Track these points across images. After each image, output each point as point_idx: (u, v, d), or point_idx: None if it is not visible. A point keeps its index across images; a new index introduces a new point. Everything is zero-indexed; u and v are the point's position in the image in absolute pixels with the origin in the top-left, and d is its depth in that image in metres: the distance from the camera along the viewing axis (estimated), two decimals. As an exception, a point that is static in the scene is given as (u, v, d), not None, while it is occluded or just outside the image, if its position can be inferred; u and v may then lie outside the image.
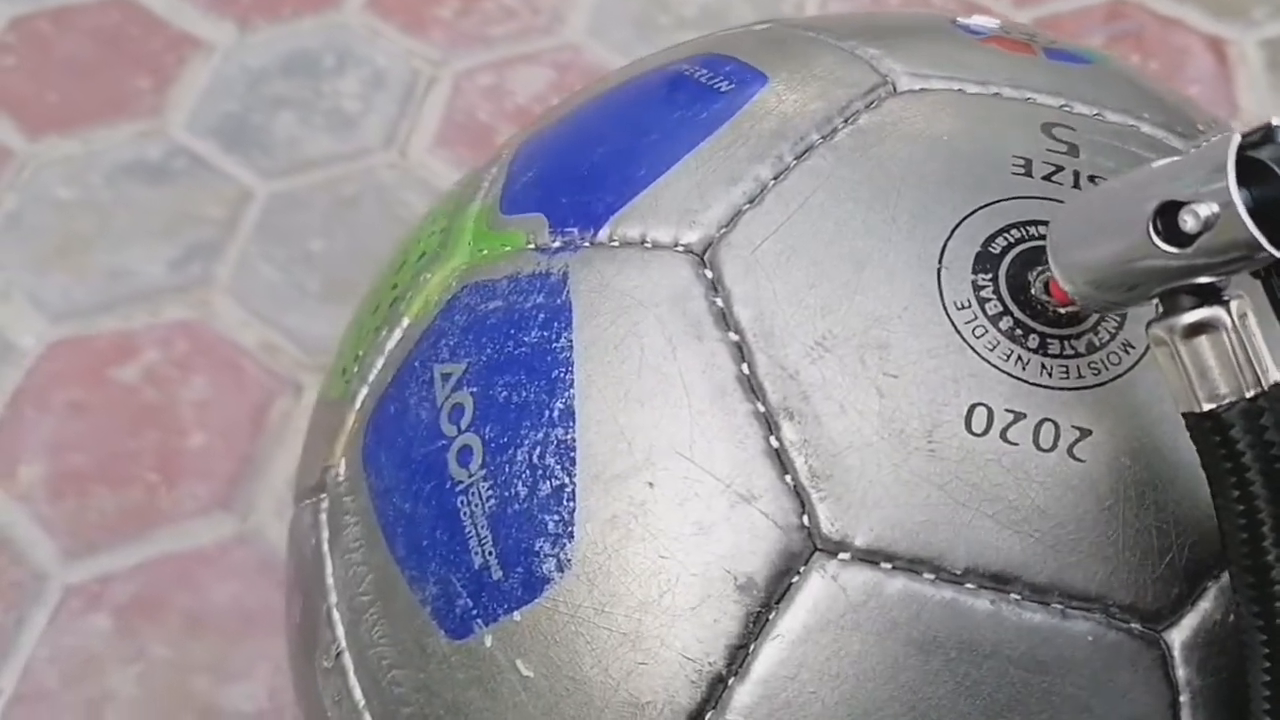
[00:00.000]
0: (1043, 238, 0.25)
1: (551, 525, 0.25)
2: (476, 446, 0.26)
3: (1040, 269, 0.25)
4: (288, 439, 0.53)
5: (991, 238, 0.25)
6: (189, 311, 0.57)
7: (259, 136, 0.64)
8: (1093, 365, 0.24)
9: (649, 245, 0.27)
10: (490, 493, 0.26)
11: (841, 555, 0.23)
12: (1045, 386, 0.24)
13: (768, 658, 0.23)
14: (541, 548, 0.25)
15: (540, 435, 0.25)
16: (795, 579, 0.24)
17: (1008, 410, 0.24)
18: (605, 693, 0.24)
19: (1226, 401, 0.21)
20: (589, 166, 0.29)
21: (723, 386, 0.25)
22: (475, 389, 0.27)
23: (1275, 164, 0.20)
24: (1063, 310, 0.24)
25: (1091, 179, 0.26)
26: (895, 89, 0.28)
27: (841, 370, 0.24)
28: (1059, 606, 0.23)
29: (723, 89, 0.29)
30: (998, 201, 0.26)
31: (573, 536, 0.25)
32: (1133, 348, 0.24)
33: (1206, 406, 0.21)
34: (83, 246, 0.60)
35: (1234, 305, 0.21)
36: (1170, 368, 0.22)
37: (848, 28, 0.31)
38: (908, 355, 0.24)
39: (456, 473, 0.26)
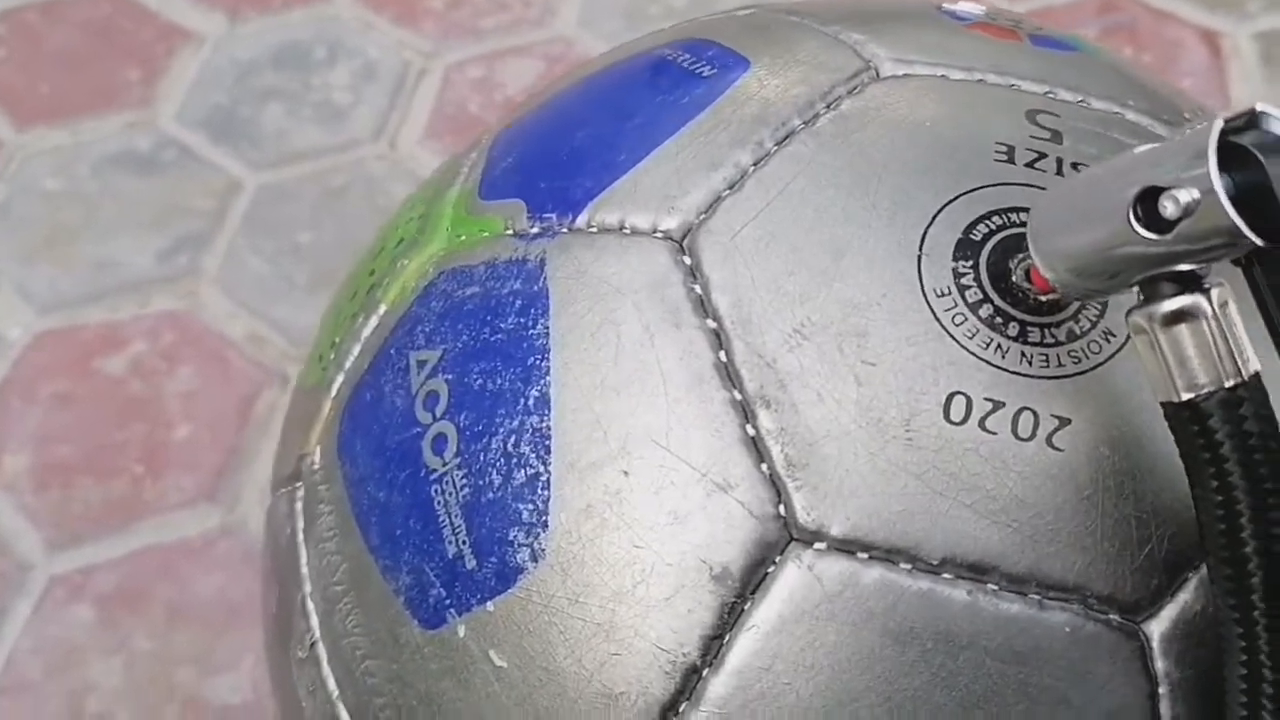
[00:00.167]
0: (1024, 224, 0.24)
1: (526, 514, 0.24)
2: (451, 434, 0.26)
3: (1021, 256, 0.24)
4: (274, 431, 0.53)
5: (973, 224, 0.25)
6: (176, 303, 0.57)
7: (248, 128, 0.63)
8: (1073, 353, 0.24)
9: (627, 231, 0.26)
10: (464, 481, 0.25)
11: (817, 545, 0.23)
12: (1024, 375, 0.24)
13: (742, 649, 0.23)
14: (515, 537, 0.24)
15: (515, 423, 0.25)
16: (771, 569, 0.23)
17: (986, 399, 0.23)
18: (579, 684, 0.24)
19: (1205, 391, 0.21)
20: (568, 152, 0.28)
21: (700, 374, 0.24)
22: (450, 376, 0.26)
23: (1258, 150, 0.20)
24: (1043, 298, 0.24)
25: (1075, 166, 0.26)
26: (878, 74, 0.28)
27: (819, 358, 0.24)
28: (1036, 597, 0.23)
29: (705, 74, 0.29)
30: (980, 188, 0.25)
31: (547, 526, 0.24)
32: (1113, 336, 0.24)
33: (1185, 396, 0.21)
34: (70, 238, 0.59)
35: (1215, 293, 0.21)
36: (1149, 356, 0.21)
37: (832, 12, 0.30)
38: (886, 343, 0.24)
39: (431, 461, 0.26)
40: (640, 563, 0.24)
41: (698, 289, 0.25)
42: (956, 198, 0.25)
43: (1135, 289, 0.22)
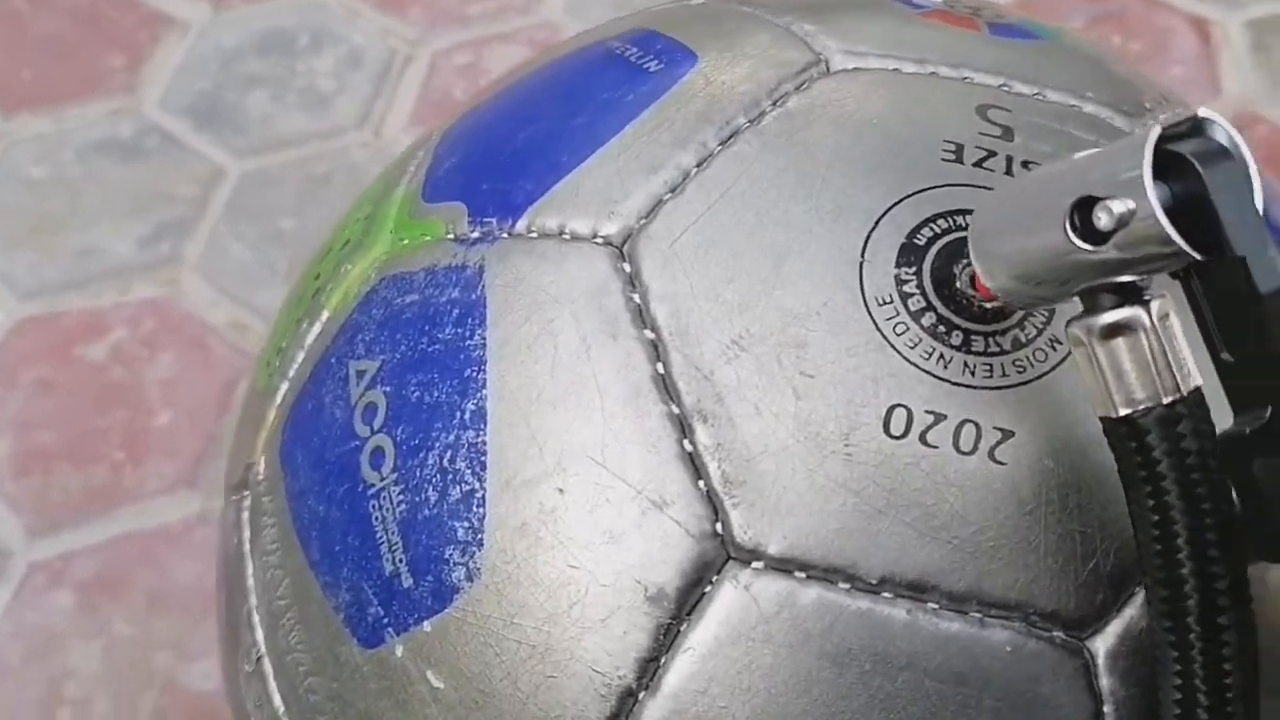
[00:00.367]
0: (969, 228, 0.24)
1: (461, 532, 0.24)
2: (389, 448, 0.25)
3: (966, 262, 0.23)
4: (254, 418, 0.52)
5: (917, 228, 0.24)
6: (158, 290, 0.57)
7: (232, 115, 0.63)
8: (1017, 363, 0.23)
9: (567, 237, 0.26)
10: (401, 497, 0.25)
11: (755, 564, 0.23)
12: (967, 386, 0.23)
13: (679, 671, 0.23)
14: (451, 556, 0.24)
15: (451, 438, 0.24)
16: (707, 589, 0.23)
17: (928, 411, 0.23)
18: (515, 706, 0.23)
19: (1143, 407, 0.20)
20: (512, 152, 0.28)
21: (637, 387, 0.24)
22: (389, 388, 0.26)
23: (1197, 159, 0.19)
24: (988, 305, 0.23)
25: (1025, 164, 0.25)
26: (828, 68, 0.27)
27: (758, 370, 0.23)
28: (977, 615, 0.22)
29: (651, 69, 0.28)
30: (926, 189, 0.25)
31: (482, 544, 0.24)
32: (1059, 343, 0.23)
33: (1122, 411, 0.20)
34: (53, 225, 0.59)
35: (1155, 306, 0.20)
36: (1087, 369, 0.21)
37: (787, 1, 0.30)
38: (826, 354, 0.23)
39: (369, 475, 0.25)
40: (575, 583, 0.23)
41: (636, 298, 0.24)
42: (901, 200, 0.24)
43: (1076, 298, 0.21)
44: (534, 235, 0.26)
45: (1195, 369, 0.20)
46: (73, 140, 0.62)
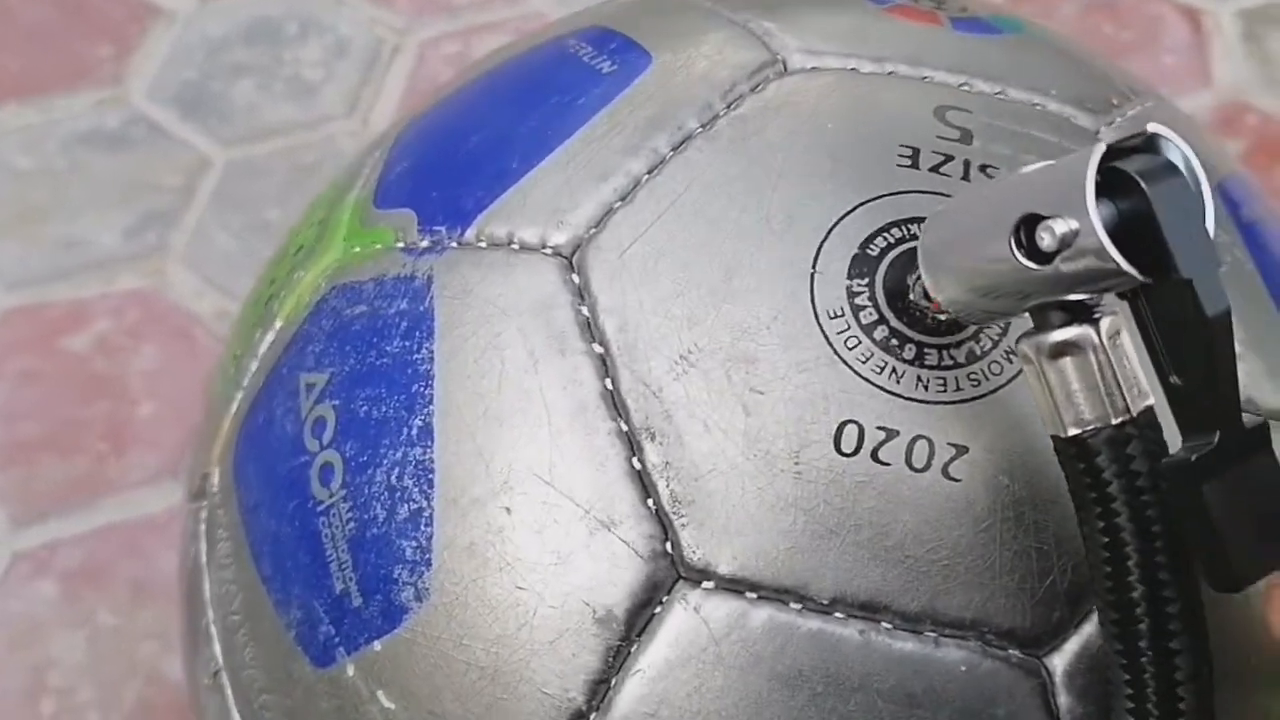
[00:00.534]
0: (922, 238, 0.23)
1: (409, 552, 0.24)
2: (338, 464, 0.25)
3: (919, 273, 0.23)
4: (236, 407, 0.52)
5: (870, 238, 0.24)
6: (143, 280, 0.56)
7: (218, 104, 0.63)
8: (972, 376, 0.23)
9: (516, 247, 0.25)
10: (350, 515, 0.24)
11: (705, 584, 0.22)
12: (920, 401, 0.22)
13: (629, 693, 0.22)
14: (400, 575, 0.24)
15: (399, 455, 0.24)
16: (657, 610, 0.22)
17: (879, 428, 0.22)
18: (465, 728, 0.23)
19: (1091, 428, 0.20)
20: (462, 157, 0.27)
21: (584, 404, 0.23)
22: (337, 402, 0.25)
23: (1143, 177, 0.19)
24: (941, 317, 0.23)
25: (983, 169, 0.24)
26: (785, 68, 0.26)
27: (707, 387, 0.23)
28: (932, 635, 0.22)
29: (604, 70, 0.27)
30: (880, 197, 0.24)
31: (430, 564, 0.23)
32: (1015, 356, 0.23)
33: (1071, 432, 0.20)
34: (38, 215, 0.59)
35: (1105, 324, 0.20)
36: (1036, 388, 0.20)
37: (746, -4, 0.29)
38: (776, 370, 0.23)
39: (318, 492, 0.25)
40: (523, 605, 0.23)
41: (585, 310, 0.24)
42: (854, 208, 0.24)
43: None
44: (483, 245, 0.25)
45: (1147, 388, 0.20)
46: (59, 130, 0.62)
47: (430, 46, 0.65)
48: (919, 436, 0.22)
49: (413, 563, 0.24)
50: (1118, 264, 0.18)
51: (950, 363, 0.23)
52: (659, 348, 0.23)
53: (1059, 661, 0.22)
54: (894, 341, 0.23)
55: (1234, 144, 0.57)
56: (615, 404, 0.23)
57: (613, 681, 0.22)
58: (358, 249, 0.27)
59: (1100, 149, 0.19)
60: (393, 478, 0.24)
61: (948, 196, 0.24)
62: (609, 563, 0.22)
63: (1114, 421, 0.20)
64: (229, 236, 0.57)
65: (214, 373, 0.31)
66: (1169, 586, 0.20)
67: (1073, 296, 0.20)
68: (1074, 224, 0.18)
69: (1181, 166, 0.19)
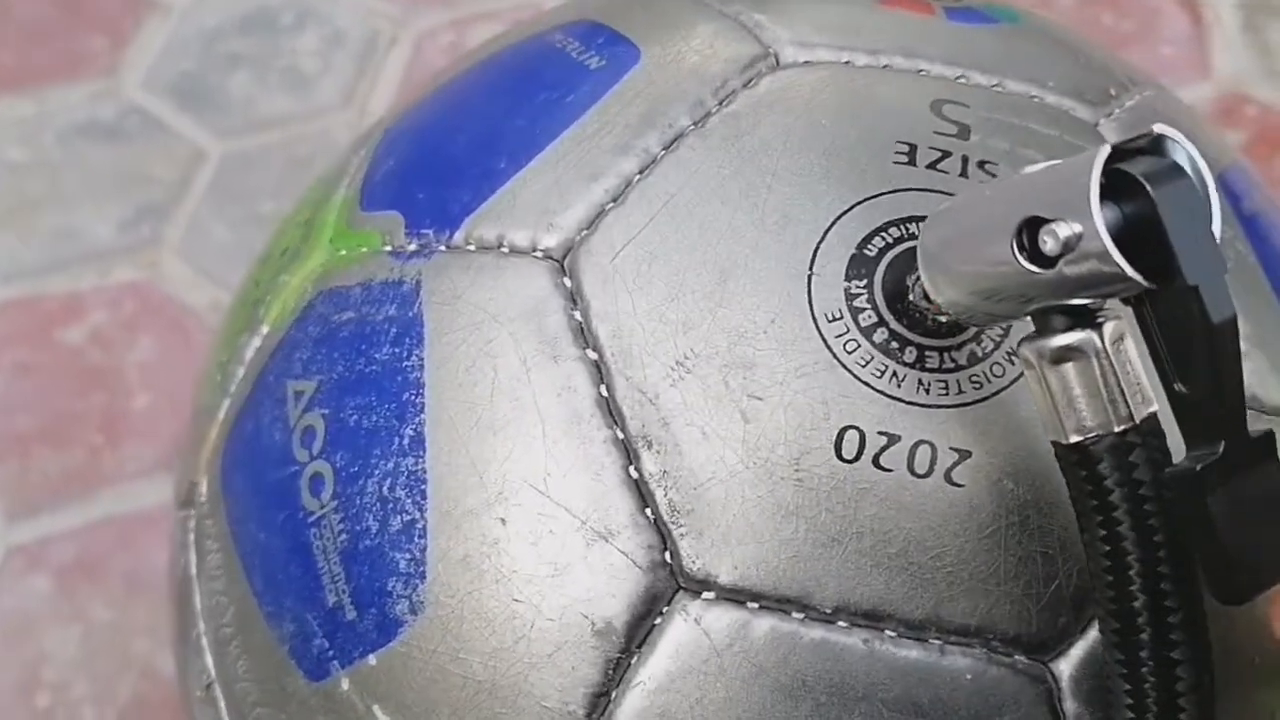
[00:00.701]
0: (922, 238, 0.23)
1: (403, 564, 0.23)
2: (328, 475, 0.24)
3: (918, 274, 0.22)
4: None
5: (868, 238, 0.23)
6: (138, 272, 0.56)
7: (214, 96, 0.62)
8: (974, 379, 0.22)
9: (505, 250, 0.25)
10: (342, 526, 0.24)
11: (705, 595, 0.22)
12: (922, 405, 0.22)
13: (630, 706, 0.22)
14: (394, 588, 0.23)
15: (390, 465, 0.24)
16: (657, 621, 0.22)
17: (881, 433, 0.22)
18: (463, 743, 0.23)
19: (1093, 435, 0.19)
20: (449, 157, 0.27)
21: (579, 412, 0.23)
22: (326, 410, 0.25)
23: (1149, 179, 0.18)
24: (942, 318, 0.22)
25: (981, 165, 0.24)
26: (778, 61, 0.26)
27: (704, 393, 0.22)
28: (937, 643, 0.22)
29: (592, 66, 0.27)
30: (877, 195, 0.23)
31: (424, 577, 0.23)
32: (1018, 358, 0.22)
33: (1073, 439, 0.19)
34: (33, 208, 0.59)
35: (1109, 329, 0.19)
36: (1038, 393, 0.20)
37: (736, -14, 0.28)
38: (774, 375, 0.22)
39: (309, 503, 0.24)
40: (520, 618, 0.22)
41: (578, 316, 0.23)
42: (851, 208, 0.23)
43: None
44: (471, 248, 0.25)
45: (1151, 394, 0.19)
46: (54, 123, 0.62)
47: (427, 37, 0.64)
48: (921, 441, 0.22)
49: (407, 575, 0.23)
50: (1122, 269, 0.18)
51: (952, 365, 0.22)
52: (654, 353, 0.23)
53: (1065, 667, 0.22)
54: (894, 344, 0.22)
55: (1234, 135, 0.56)
56: (610, 411, 0.23)
57: (613, 694, 0.22)
58: (344, 252, 0.27)
59: (1105, 151, 0.18)
60: (385, 488, 0.24)
61: (946, 194, 0.23)
62: (607, 574, 0.22)
63: (1117, 429, 0.19)
64: (225, 228, 0.57)
65: (200, 378, 0.30)
66: (1171, 596, 0.19)
67: (1075, 301, 0.19)
68: (1077, 227, 0.18)
69: (1188, 168, 0.18)
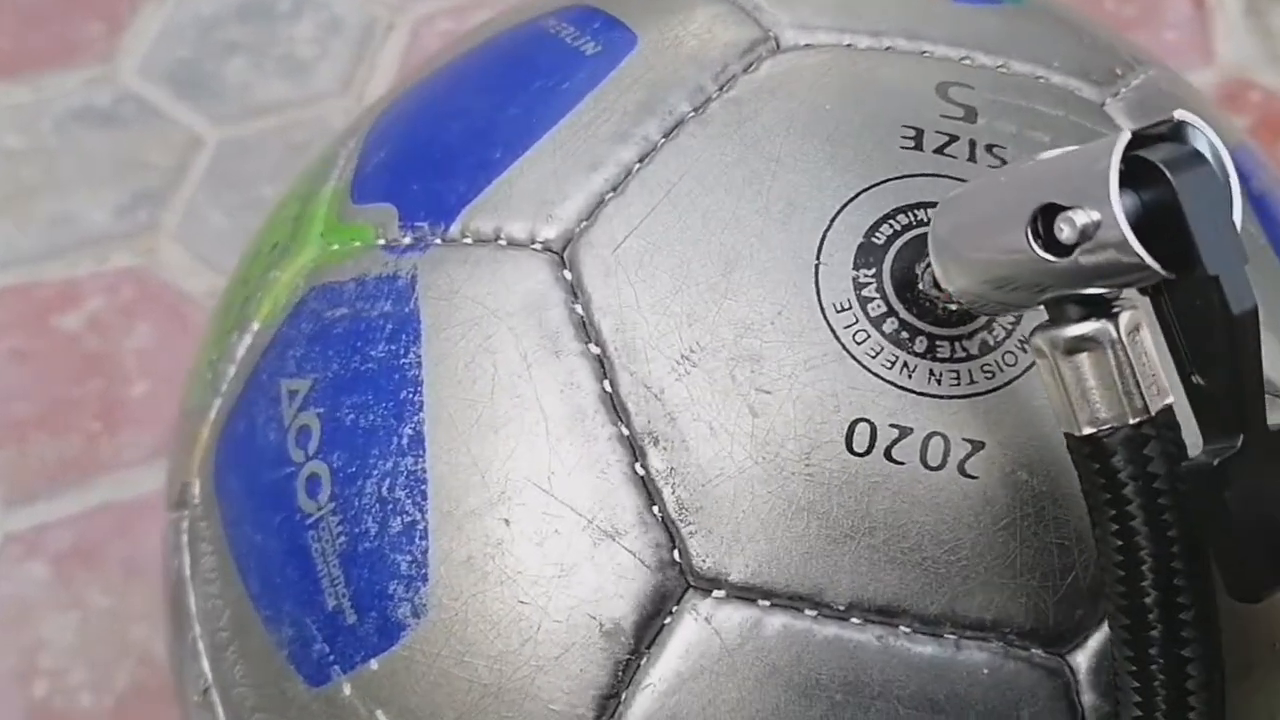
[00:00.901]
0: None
1: (404, 566, 0.23)
2: (325, 475, 0.24)
3: (928, 261, 0.22)
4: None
5: (875, 226, 0.23)
6: (135, 259, 0.56)
7: (211, 82, 0.62)
8: (986, 368, 0.22)
9: (503, 242, 0.24)
10: (340, 528, 0.23)
11: (715, 594, 0.21)
12: (933, 396, 0.22)
13: (640, 708, 0.22)
14: (395, 591, 0.23)
15: (389, 465, 0.23)
16: (667, 621, 0.22)
17: (892, 425, 0.21)
18: (469, 747, 0.22)
19: (1107, 427, 0.19)
20: (443, 147, 0.26)
21: (582, 408, 0.22)
22: (322, 409, 0.24)
23: (1168, 166, 0.18)
24: (953, 306, 0.22)
25: (989, 148, 0.23)
26: (778, 45, 0.25)
27: (710, 387, 0.22)
28: (952, 638, 0.21)
29: (588, 51, 0.26)
30: (884, 182, 0.23)
31: (427, 579, 0.22)
32: (1031, 347, 0.22)
33: (1086, 430, 0.19)
34: (30, 194, 0.58)
35: (1124, 319, 0.19)
36: (1051, 384, 0.19)
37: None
38: (782, 368, 0.22)
39: (305, 504, 0.24)
40: (526, 620, 0.22)
41: (579, 309, 0.23)
42: (858, 195, 0.23)
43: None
44: (468, 241, 0.24)
45: (1167, 386, 0.19)
46: (50, 109, 0.61)
47: (425, 23, 0.64)
48: (933, 433, 0.21)
49: (408, 578, 0.23)
50: (1141, 258, 0.17)
51: (963, 355, 0.22)
52: (659, 347, 0.22)
53: (1082, 659, 0.22)
54: (904, 334, 0.22)
55: (1237, 121, 0.56)
56: (615, 407, 0.22)
57: (623, 696, 0.22)
58: (336, 247, 0.26)
59: (1125, 137, 0.18)
60: (384, 489, 0.23)
61: (955, 179, 0.23)
62: (614, 574, 0.22)
63: (1131, 421, 0.19)
64: (222, 215, 0.57)
65: (190, 378, 0.30)
66: (1184, 593, 0.19)
67: (1091, 290, 0.19)
68: (1095, 215, 0.18)
69: (1209, 155, 0.18)
